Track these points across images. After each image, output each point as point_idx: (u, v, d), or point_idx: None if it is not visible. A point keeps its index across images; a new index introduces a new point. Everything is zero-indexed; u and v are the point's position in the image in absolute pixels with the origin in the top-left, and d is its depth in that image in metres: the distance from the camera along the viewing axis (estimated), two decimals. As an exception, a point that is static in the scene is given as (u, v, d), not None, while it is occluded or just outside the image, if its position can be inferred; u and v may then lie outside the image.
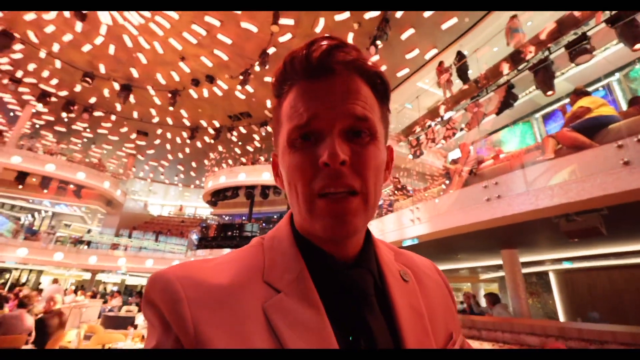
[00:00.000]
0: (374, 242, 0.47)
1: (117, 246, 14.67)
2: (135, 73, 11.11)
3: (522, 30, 6.22)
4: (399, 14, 7.86)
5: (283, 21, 8.32)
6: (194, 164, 18.97)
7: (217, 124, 14.27)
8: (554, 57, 5.27)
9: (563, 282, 8.53)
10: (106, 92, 12.21)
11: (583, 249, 6.55)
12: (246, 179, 14.42)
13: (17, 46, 9.75)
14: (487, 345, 4.02)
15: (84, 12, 8.43)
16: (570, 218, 3.64)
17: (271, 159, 0.49)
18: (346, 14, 8.08)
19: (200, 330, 0.33)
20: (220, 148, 16.42)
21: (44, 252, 12.51)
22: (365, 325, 0.38)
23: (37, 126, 15.09)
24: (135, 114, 13.76)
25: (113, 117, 13.74)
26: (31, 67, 10.89)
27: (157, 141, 16.04)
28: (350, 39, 8.86)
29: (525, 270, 8.26)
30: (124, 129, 14.96)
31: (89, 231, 17.33)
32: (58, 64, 10.66)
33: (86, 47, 9.98)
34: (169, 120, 14.11)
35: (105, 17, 8.79)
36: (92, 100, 12.73)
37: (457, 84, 7.68)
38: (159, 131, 15.06)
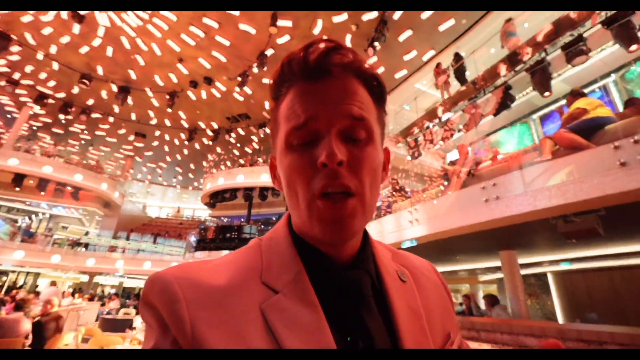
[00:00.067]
0: (371, 242, 0.47)
1: (115, 248, 14.60)
2: (133, 75, 11.09)
3: (517, 34, 6.26)
4: (396, 15, 7.90)
5: (281, 23, 8.34)
6: (192, 166, 18.94)
7: (215, 126, 14.26)
8: (550, 59, 5.31)
9: (561, 283, 8.55)
10: (104, 94, 12.18)
11: (581, 250, 6.57)
12: (244, 181, 14.41)
13: (14, 48, 9.73)
14: (486, 347, 4.02)
15: (82, 13, 8.43)
16: (568, 219, 3.65)
17: (269, 161, 0.49)
18: (344, 16, 8.11)
19: (198, 331, 0.33)
20: (218, 150, 16.40)
21: (41, 254, 12.44)
22: (363, 326, 0.38)
23: (35, 128, 15.04)
24: (133, 116, 13.74)
25: (111, 119, 13.71)
26: (28, 69, 10.86)
27: (155, 143, 16.01)
28: (348, 40, 8.88)
29: (523, 272, 8.27)
30: (122, 131, 14.93)
31: (86, 233, 17.25)
32: (55, 65, 10.64)
33: (84, 49, 9.97)
34: (167, 122, 14.10)
35: (103, 19, 8.79)
36: (90, 102, 12.71)
37: (455, 86, 7.71)
38: (157, 133, 15.04)
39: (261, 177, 14.18)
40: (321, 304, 0.37)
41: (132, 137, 15.42)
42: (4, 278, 18.05)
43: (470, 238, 5.16)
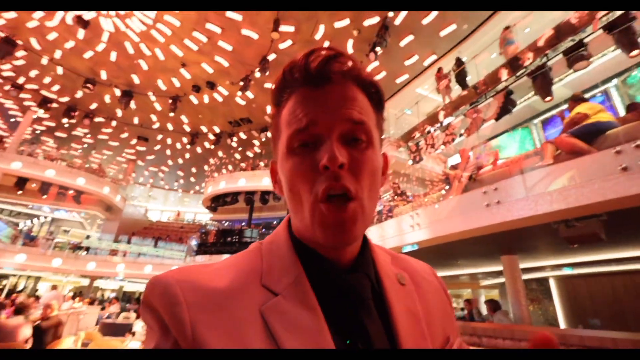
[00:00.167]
0: (370, 246, 0.47)
1: (116, 252, 14.60)
2: (136, 79, 11.19)
3: (515, 42, 6.30)
4: (398, 20, 7.95)
5: (283, 28, 8.41)
6: (193, 170, 18.99)
7: (217, 130, 14.32)
8: (552, 64, 5.31)
9: (564, 288, 8.48)
10: (107, 98, 12.29)
11: (583, 255, 6.53)
12: (246, 185, 14.42)
13: (20, 53, 9.84)
14: (488, 353, 3.97)
15: (87, 19, 8.53)
16: (570, 224, 3.63)
17: (270, 166, 0.50)
18: (346, 21, 8.17)
19: (198, 333, 0.33)
20: (220, 154, 16.46)
21: (42, 258, 12.44)
22: (363, 329, 0.38)
23: (38, 132, 15.15)
24: (135, 120, 13.83)
25: (114, 123, 13.81)
26: (33, 73, 10.98)
27: (157, 147, 16.08)
28: (349, 45, 8.94)
29: (525, 277, 8.21)
30: (125, 135, 15.02)
31: (87, 237, 17.27)
32: (60, 70, 10.75)
33: (88, 54, 10.08)
34: (170, 126, 14.18)
35: (107, 24, 8.89)
36: (93, 106, 12.81)
37: (456, 90, 7.72)
38: (159, 137, 15.11)
39: (262, 181, 14.19)
40: (321, 307, 0.38)
41: (134, 141, 15.51)
42: (4, 282, 18.03)
43: (472, 243, 5.13)
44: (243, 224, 16.33)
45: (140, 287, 19.86)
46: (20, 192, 13.63)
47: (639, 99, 6.34)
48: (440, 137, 7.15)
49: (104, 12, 8.42)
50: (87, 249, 14.33)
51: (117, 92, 11.70)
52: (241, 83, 10.45)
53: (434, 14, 7.74)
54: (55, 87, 11.71)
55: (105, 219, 17.97)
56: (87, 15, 8.48)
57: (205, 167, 17.96)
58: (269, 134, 13.35)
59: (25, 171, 13.02)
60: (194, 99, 11.94)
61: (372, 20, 8.06)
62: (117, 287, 19.95)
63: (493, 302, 5.43)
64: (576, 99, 4.14)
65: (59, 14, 8.52)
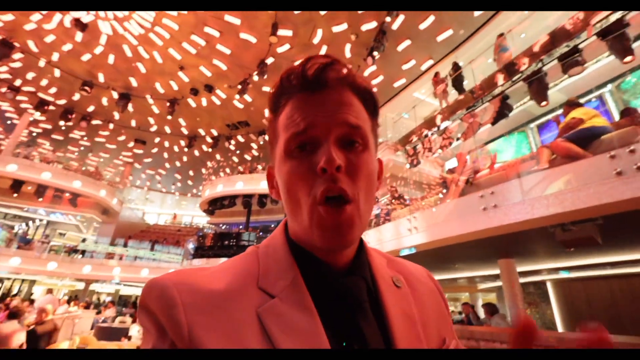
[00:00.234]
0: (366, 249, 0.48)
1: (112, 255, 14.49)
2: (134, 82, 11.18)
3: (509, 49, 6.38)
4: (395, 25, 8.02)
5: (281, 32, 8.45)
6: (191, 173, 18.93)
7: (215, 133, 14.31)
8: (547, 69, 5.37)
9: (561, 291, 8.50)
10: (105, 101, 12.25)
11: (580, 258, 6.55)
12: (244, 188, 14.39)
13: (17, 55, 9.81)
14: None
15: (85, 21, 8.53)
16: (566, 227, 3.66)
17: (267, 171, 0.51)
18: (344, 26, 8.23)
19: (195, 335, 0.33)
20: (218, 157, 16.43)
21: (37, 261, 12.32)
22: (359, 331, 0.39)
23: (34, 134, 15.07)
24: (133, 123, 13.79)
25: (111, 126, 13.76)
26: (30, 75, 10.93)
27: (155, 150, 16.03)
28: (347, 50, 9.00)
29: (522, 280, 8.22)
30: (122, 138, 14.97)
31: (83, 240, 17.12)
32: (57, 72, 10.72)
33: (86, 57, 10.06)
34: (167, 129, 14.15)
35: (105, 27, 8.89)
36: (91, 108, 12.77)
37: (453, 94, 7.78)
38: (157, 140, 15.07)
39: (260, 184, 14.17)
40: (317, 309, 0.38)
41: (131, 144, 15.45)
42: (-1, 285, 17.84)
43: (469, 246, 5.14)
44: (241, 227, 16.29)
45: (136, 290, 19.70)
46: (15, 194, 13.51)
47: (633, 104, 6.41)
48: (438, 141, 7.19)
49: (102, 15, 8.43)
50: (83, 252, 14.21)
51: (115, 95, 11.67)
52: (239, 86, 10.48)
53: (430, 19, 7.81)
54: (53, 90, 11.66)
55: (101, 222, 17.85)
56: (85, 18, 8.48)
57: (203, 170, 17.91)
58: (266, 137, 13.25)
59: (21, 174, 12.92)
60: (192, 102, 11.93)
61: (370, 25, 8.12)
62: (113, 291, 19.78)
63: (490, 306, 5.43)
64: (571, 104, 4.18)
65: (57, 17, 8.52)
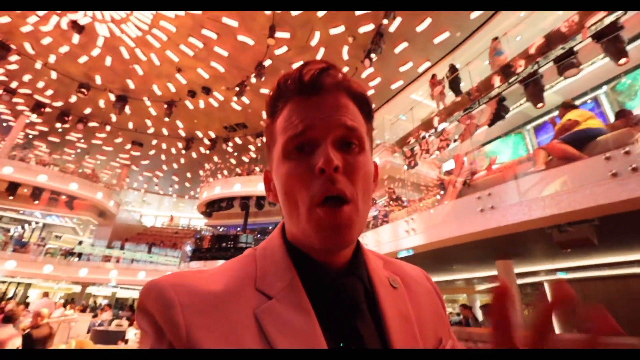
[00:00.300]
0: (363, 250, 0.48)
1: (109, 258, 14.39)
2: (131, 84, 11.15)
3: (504, 53, 6.44)
4: (392, 28, 8.06)
5: (279, 34, 8.47)
6: (188, 175, 18.88)
7: (212, 135, 14.29)
8: (543, 71, 5.42)
9: (558, 292, 8.52)
10: (102, 103, 12.21)
11: (577, 259, 6.59)
12: (241, 190, 14.36)
13: (13, 57, 9.77)
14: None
15: (82, 24, 8.51)
16: (563, 229, 3.68)
17: (264, 174, 0.51)
18: (341, 28, 8.26)
19: (192, 335, 0.33)
20: (215, 159, 16.40)
21: (33, 264, 12.22)
22: (356, 332, 0.39)
23: (30, 136, 14.98)
24: (130, 125, 13.75)
25: (108, 128, 13.71)
26: (26, 78, 10.88)
27: (152, 152, 15.98)
28: (345, 52, 9.03)
29: (520, 281, 8.25)
30: (119, 140, 14.91)
31: (80, 243, 17.00)
32: (54, 75, 10.67)
33: (82, 59, 10.03)
34: (165, 131, 14.11)
35: (102, 29, 8.88)
36: (87, 110, 12.71)
37: (450, 96, 7.82)
38: (154, 142, 15.03)
39: (258, 186, 14.15)
40: (315, 310, 0.38)
41: (128, 146, 15.39)
42: (-6, 289, 17.66)
43: (467, 247, 5.16)
44: (238, 229, 16.23)
45: (133, 293, 19.59)
46: (11, 197, 13.41)
47: (628, 105, 6.47)
48: (435, 143, 7.22)
49: (99, 17, 8.41)
50: (79, 255, 14.12)
51: (112, 97, 11.63)
52: (237, 88, 10.47)
53: (427, 21, 7.86)
54: (49, 92, 11.61)
55: (98, 224, 17.73)
56: (82, 20, 8.46)
57: (201, 172, 17.86)
58: (264, 139, 13.22)
59: (16, 176, 12.83)
60: (189, 104, 11.92)
61: (367, 27, 8.16)
62: (110, 294, 19.66)
63: (488, 307, 5.43)
64: (567, 106, 4.22)
65: (54, 19, 8.49)
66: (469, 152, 6.95)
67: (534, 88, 5.42)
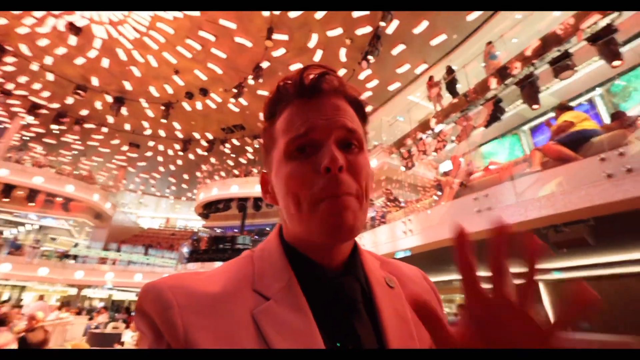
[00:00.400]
0: (359, 251, 0.49)
1: (105, 260, 14.29)
2: (128, 86, 11.11)
3: (498, 57, 6.49)
4: (390, 30, 8.09)
5: (276, 36, 8.48)
6: (186, 176, 18.81)
7: (210, 136, 14.26)
8: (539, 73, 5.47)
9: (553, 292, 8.57)
10: (98, 105, 12.15)
11: (573, 259, 6.62)
12: (238, 191, 14.33)
13: (9, 59, 9.71)
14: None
15: (79, 25, 8.48)
16: (559, 229, 3.70)
17: (260, 177, 0.51)
18: (338, 30, 8.29)
19: (190, 336, 0.34)
20: (212, 160, 16.35)
21: (28, 267, 12.12)
22: (353, 332, 0.39)
23: (26, 138, 14.87)
24: (127, 126, 13.69)
25: (104, 129, 13.64)
26: (22, 79, 10.81)
27: (149, 153, 15.91)
28: (342, 54, 9.06)
29: (516, 282, 8.22)
30: (116, 141, 14.83)
31: (76, 245, 16.88)
32: (50, 76, 10.61)
33: (79, 60, 9.99)
34: (162, 133, 14.06)
35: (99, 31, 8.85)
36: (84, 112, 12.65)
37: (447, 98, 7.86)
38: (151, 143, 14.97)
39: (255, 187, 14.11)
40: (312, 310, 0.39)
41: (125, 148, 15.31)
42: (-12, 292, 17.45)
43: (464, 248, 5.16)
44: (235, 230, 16.18)
45: (129, 296, 19.42)
46: (6, 199, 13.31)
47: (623, 107, 6.53)
48: (432, 144, 7.25)
49: (97, 19, 8.38)
50: (75, 257, 14.01)
51: (109, 99, 11.59)
52: (234, 90, 10.46)
53: (424, 24, 7.91)
54: (45, 94, 11.54)
55: (94, 226, 17.63)
56: (80, 21, 8.43)
57: (198, 174, 17.80)
58: (261, 141, 13.20)
59: (12, 178, 12.75)
60: (186, 105, 11.89)
61: (365, 29, 8.19)
62: (106, 296, 19.48)
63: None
64: (562, 108, 4.25)
65: (51, 20, 8.46)
66: (465, 153, 6.99)
67: (529, 90, 5.47)
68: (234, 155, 15.80)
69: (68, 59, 10.00)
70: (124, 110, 11.96)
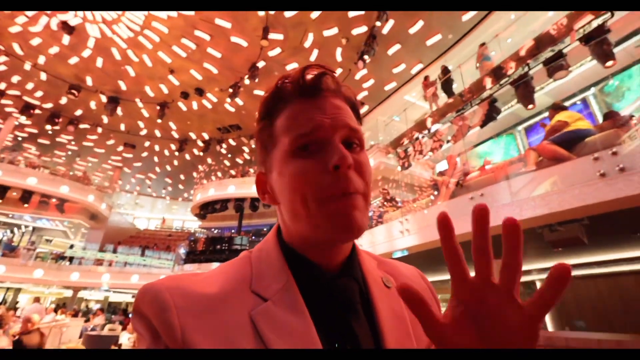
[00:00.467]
0: (357, 251, 0.49)
1: (101, 262, 14.18)
2: (123, 86, 11.03)
3: (492, 58, 6.54)
4: (385, 30, 8.11)
5: (272, 36, 8.45)
6: (182, 177, 18.71)
7: (206, 136, 14.20)
8: (533, 73, 5.51)
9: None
10: (93, 105, 12.04)
11: (568, 258, 6.69)
12: (235, 192, 14.29)
13: (1, 58, 9.60)
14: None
15: (72, 24, 8.40)
16: (554, 228, 3.74)
17: (256, 177, 0.50)
18: (334, 30, 8.28)
19: (188, 337, 0.34)
20: (209, 160, 16.28)
21: (23, 269, 11.99)
22: (351, 332, 0.40)
23: (20, 139, 14.71)
24: (122, 127, 13.59)
25: (99, 130, 13.53)
26: (15, 79, 10.68)
27: (145, 154, 15.81)
28: (338, 54, 9.06)
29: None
30: (111, 142, 14.71)
31: (71, 246, 16.72)
32: (43, 76, 10.50)
33: (73, 60, 9.89)
34: (157, 133, 13.97)
35: (93, 30, 8.77)
36: (78, 112, 12.53)
37: (443, 98, 7.90)
38: (147, 143, 14.87)
39: (252, 187, 14.07)
40: (310, 311, 0.39)
41: (121, 148, 15.19)
42: (-18, 294, 17.28)
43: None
44: (232, 231, 16.14)
45: (126, 297, 19.32)
46: (0, 201, 13.16)
47: (616, 107, 6.60)
48: (428, 144, 7.28)
49: (90, 18, 8.31)
50: (71, 259, 13.88)
51: (103, 99, 11.49)
52: (230, 90, 10.43)
53: (420, 23, 7.93)
54: (39, 93, 11.41)
55: (89, 227, 17.46)
56: (73, 20, 8.35)
57: (194, 174, 17.71)
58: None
59: (5, 179, 12.60)
60: (182, 105, 11.82)
61: (360, 29, 8.20)
62: (102, 298, 19.35)
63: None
64: (556, 108, 4.29)
65: (43, 19, 8.37)
66: (461, 153, 7.02)
67: (524, 90, 5.51)
68: (230, 156, 15.74)
69: (61, 59, 9.89)
70: (118, 110, 11.85)
